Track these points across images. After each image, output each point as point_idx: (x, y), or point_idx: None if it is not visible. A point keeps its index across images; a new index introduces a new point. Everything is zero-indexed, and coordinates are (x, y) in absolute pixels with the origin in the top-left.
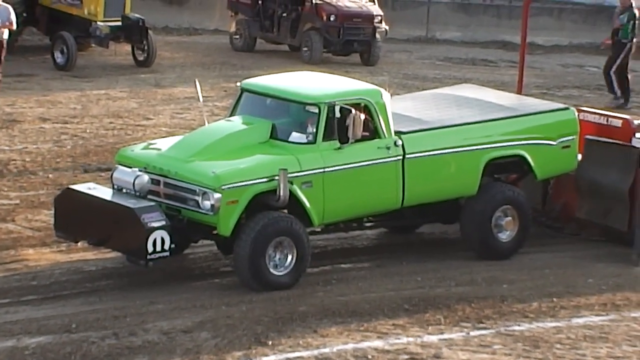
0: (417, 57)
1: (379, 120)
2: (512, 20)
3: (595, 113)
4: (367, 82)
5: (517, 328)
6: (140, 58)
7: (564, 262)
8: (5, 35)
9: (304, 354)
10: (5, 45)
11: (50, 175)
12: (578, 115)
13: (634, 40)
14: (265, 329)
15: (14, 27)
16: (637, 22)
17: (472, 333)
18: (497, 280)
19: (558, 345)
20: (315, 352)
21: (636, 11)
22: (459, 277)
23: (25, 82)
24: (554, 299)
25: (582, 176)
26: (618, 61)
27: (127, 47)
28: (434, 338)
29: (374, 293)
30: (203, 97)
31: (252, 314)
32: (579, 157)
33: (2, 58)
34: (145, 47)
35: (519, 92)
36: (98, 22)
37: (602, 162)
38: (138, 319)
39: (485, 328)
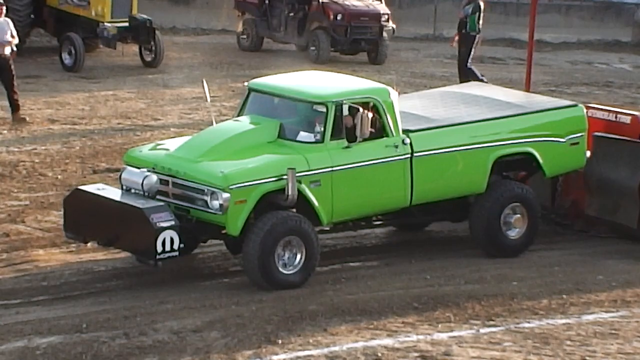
0: (425, 55)
1: (387, 118)
2: (520, 18)
3: (603, 110)
4: (374, 80)
5: (527, 325)
6: (148, 59)
7: (573, 259)
8: (7, 51)
9: (314, 352)
10: (11, 60)
11: (59, 176)
12: (586, 112)
13: (481, 31)
14: (275, 328)
15: (16, 39)
16: (482, 13)
17: (482, 330)
18: (507, 278)
19: (568, 342)
20: (325, 350)
21: (481, 3)
22: (468, 275)
23: (33, 83)
24: (564, 296)
25: (591, 173)
26: (472, 53)
27: (135, 48)
28: (443, 336)
29: (383, 291)
30: (211, 97)
31: (262, 313)
32: (588, 154)
33: (13, 72)
34: (153, 48)
35: (527, 89)
36: (105, 23)
37: (611, 158)
38: (148, 319)
39: (495, 325)
